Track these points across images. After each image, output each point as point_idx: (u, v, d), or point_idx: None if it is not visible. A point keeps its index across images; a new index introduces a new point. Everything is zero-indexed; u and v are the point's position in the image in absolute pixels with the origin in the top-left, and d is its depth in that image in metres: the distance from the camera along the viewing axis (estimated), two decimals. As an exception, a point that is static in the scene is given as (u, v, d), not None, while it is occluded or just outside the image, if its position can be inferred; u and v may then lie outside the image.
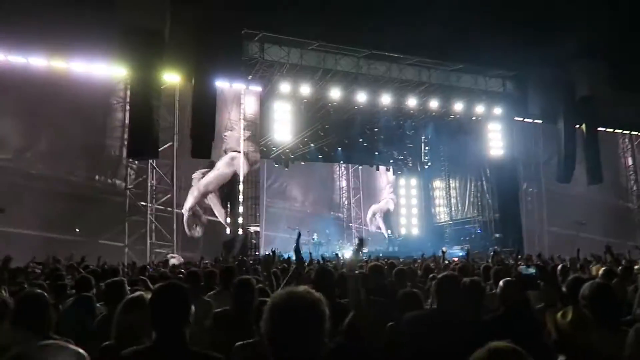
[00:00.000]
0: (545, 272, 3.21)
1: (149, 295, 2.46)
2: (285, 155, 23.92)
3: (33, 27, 13.69)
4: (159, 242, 16.39)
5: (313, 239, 24.34)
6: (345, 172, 27.64)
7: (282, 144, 21.79)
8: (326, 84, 18.85)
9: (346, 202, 27.31)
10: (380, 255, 21.04)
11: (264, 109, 18.67)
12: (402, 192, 28.61)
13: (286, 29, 17.00)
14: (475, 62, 19.73)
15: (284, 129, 19.14)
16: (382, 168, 27.21)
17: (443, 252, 8.83)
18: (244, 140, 17.86)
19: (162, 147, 16.00)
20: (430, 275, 5.34)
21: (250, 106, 18.02)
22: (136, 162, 16.32)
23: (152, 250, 16.08)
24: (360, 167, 27.38)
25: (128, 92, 15.46)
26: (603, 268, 4.54)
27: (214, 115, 14.03)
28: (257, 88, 18.24)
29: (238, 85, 17.82)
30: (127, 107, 15.76)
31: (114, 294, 3.45)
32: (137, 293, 2.60)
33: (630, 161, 22.85)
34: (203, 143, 13.52)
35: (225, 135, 17.37)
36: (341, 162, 26.19)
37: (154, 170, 16.72)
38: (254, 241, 17.40)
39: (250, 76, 17.99)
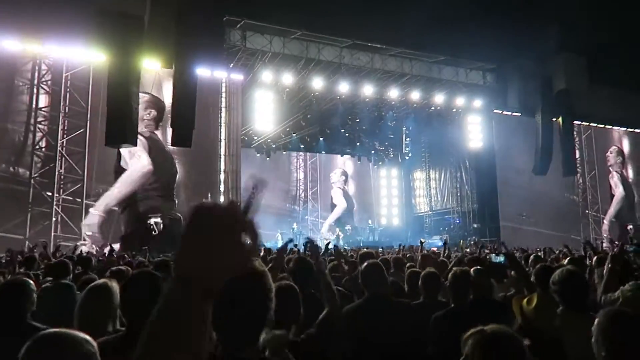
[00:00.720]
0: (514, 260, 3.27)
1: (113, 283, 2.45)
2: (266, 145, 23.82)
3: (5, 6, 13.21)
4: (65, 234, 14.96)
5: (292, 228, 24.40)
6: (302, 164, 26.50)
7: (263, 134, 21.69)
8: (308, 74, 18.77)
9: (303, 195, 26.30)
10: (361, 244, 21.28)
11: (246, 97, 18.50)
12: (383, 182, 28.79)
13: (269, 17, 16.81)
14: (456, 54, 19.89)
15: (265, 118, 19.03)
16: (340, 160, 26.91)
17: (421, 243, 8.97)
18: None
19: (73, 134, 15.38)
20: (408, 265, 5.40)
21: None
22: (43, 149, 15.14)
23: (56, 243, 14.26)
24: (317, 157, 26.42)
25: (42, 73, 15.05)
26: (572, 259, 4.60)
27: (194, 104, 13.83)
28: (239, 76, 18.06)
29: (220, 73, 17.61)
30: (49, 89, 15.24)
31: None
32: (102, 281, 2.52)
33: (577, 154, 23.37)
34: (184, 132, 13.33)
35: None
36: (323, 152, 26.15)
37: (63, 159, 15.38)
38: (154, 232, 16.01)
39: (231, 64, 17.78)
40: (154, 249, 13.05)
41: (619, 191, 24.96)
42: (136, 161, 16.14)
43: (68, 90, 15.60)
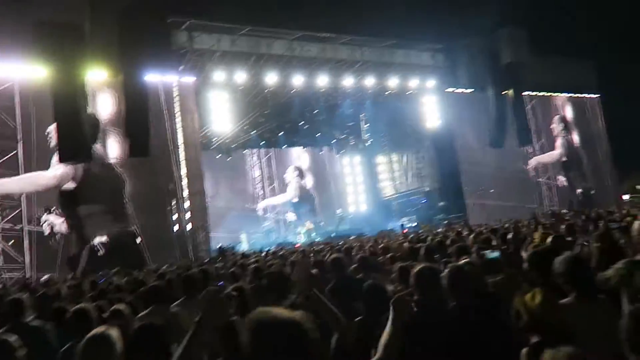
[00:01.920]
0: (510, 256, 3.30)
1: (113, 332, 2.31)
2: (226, 145, 23.42)
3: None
4: (8, 265, 13.89)
5: (264, 226, 24.23)
6: (258, 161, 26.15)
7: (221, 134, 21.28)
8: (261, 70, 18.50)
9: (262, 193, 25.95)
10: (333, 235, 21.38)
11: (200, 99, 18.06)
12: (348, 170, 28.94)
13: (215, 15, 16.42)
14: (403, 37, 20.09)
15: (222, 118, 18.66)
16: (294, 154, 26.91)
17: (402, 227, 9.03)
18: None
19: (5, 157, 14.14)
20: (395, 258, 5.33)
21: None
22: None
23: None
24: (273, 153, 26.20)
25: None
26: (549, 235, 4.67)
27: (147, 111, 13.38)
28: (190, 78, 17.59)
29: (170, 77, 17.09)
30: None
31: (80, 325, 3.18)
32: (100, 330, 2.34)
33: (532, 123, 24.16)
34: (140, 141, 12.90)
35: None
36: (285, 146, 25.97)
37: None
38: (100, 253, 15.01)
39: (181, 67, 17.29)
40: (102, 270, 12.48)
41: (565, 157, 25.92)
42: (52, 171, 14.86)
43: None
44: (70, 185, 14.87)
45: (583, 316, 2.14)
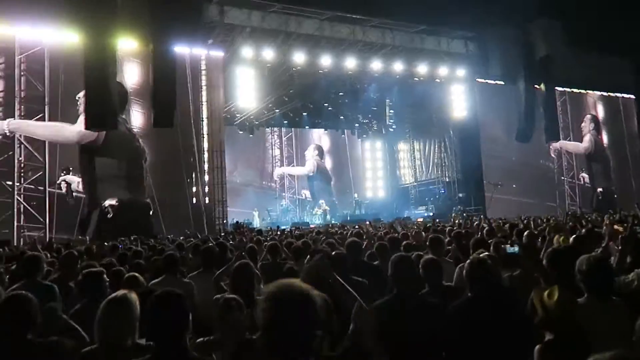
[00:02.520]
0: (530, 251, 3.28)
1: (132, 295, 2.39)
2: (249, 121, 23.52)
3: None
4: (29, 224, 14.48)
5: (282, 205, 24.39)
6: (278, 140, 26.37)
7: (245, 110, 21.35)
8: (289, 48, 18.40)
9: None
10: (348, 218, 21.42)
11: (227, 74, 18.11)
12: (368, 155, 28.82)
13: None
14: (436, 23, 19.67)
15: (247, 95, 18.70)
16: (315, 135, 26.84)
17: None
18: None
19: (33, 119, 14.67)
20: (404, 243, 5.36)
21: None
22: (-1, 137, 14.43)
23: (20, 234, 14.26)
24: (293, 133, 26.32)
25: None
26: (572, 236, 4.59)
27: (174, 82, 13.45)
28: (219, 53, 17.62)
29: (198, 50, 17.15)
30: (2, 74, 14.49)
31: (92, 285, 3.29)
32: (120, 293, 2.41)
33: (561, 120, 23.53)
34: (165, 112, 13.00)
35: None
36: (307, 127, 25.96)
37: (22, 146, 14.61)
38: (109, 215, 15.38)
39: (210, 41, 17.31)
40: (108, 234, 12.78)
41: (590, 151, 25.25)
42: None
43: (22, 74, 14.75)
44: (91, 143, 15.26)
45: (596, 317, 2.13)
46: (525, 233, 5.16)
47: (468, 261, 2.75)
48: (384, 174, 28.79)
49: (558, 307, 1.93)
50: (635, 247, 2.69)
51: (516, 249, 3.60)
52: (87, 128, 12.57)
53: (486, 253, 3.33)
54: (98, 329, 2.29)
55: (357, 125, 27.17)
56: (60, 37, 14.87)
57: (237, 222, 17.47)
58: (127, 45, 15.39)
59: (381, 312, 2.50)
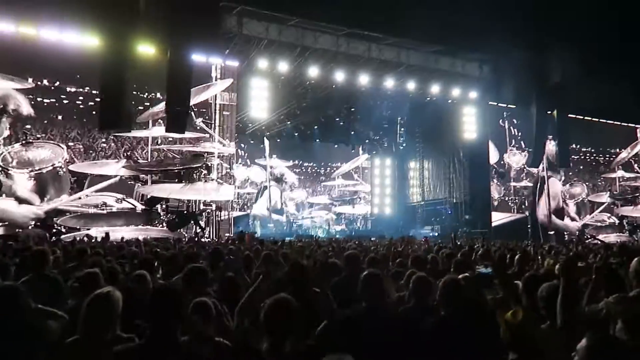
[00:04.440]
0: (502, 273, 3.35)
1: (116, 292, 2.51)
2: (260, 132, 23.73)
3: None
4: None
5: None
6: None
7: (257, 121, 21.59)
8: (304, 62, 18.65)
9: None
10: (353, 234, 21.42)
11: (241, 84, 18.38)
12: (377, 172, 28.85)
13: (265, 3, 16.65)
14: (451, 44, 19.81)
15: (260, 105, 18.93)
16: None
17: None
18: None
19: None
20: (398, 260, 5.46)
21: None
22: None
23: None
24: None
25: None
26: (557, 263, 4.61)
27: (189, 90, 13.70)
28: (234, 63, 17.91)
29: (215, 59, 17.46)
30: None
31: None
32: (106, 290, 2.53)
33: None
34: (178, 119, 13.23)
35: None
36: (317, 140, 26.11)
37: None
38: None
39: (227, 51, 17.63)
40: None
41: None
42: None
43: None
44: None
45: (556, 343, 2.17)
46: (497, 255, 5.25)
47: (441, 281, 2.83)
48: (392, 192, 28.77)
49: (520, 328, 1.98)
50: (608, 278, 2.73)
51: (489, 270, 3.67)
52: (100, 129, 12.82)
53: (465, 274, 3.40)
54: (80, 322, 2.40)
55: (367, 141, 27.27)
56: (79, 39, 15.29)
57: (241, 230, 17.59)
58: (146, 50, 15.73)
59: (347, 321, 2.63)
